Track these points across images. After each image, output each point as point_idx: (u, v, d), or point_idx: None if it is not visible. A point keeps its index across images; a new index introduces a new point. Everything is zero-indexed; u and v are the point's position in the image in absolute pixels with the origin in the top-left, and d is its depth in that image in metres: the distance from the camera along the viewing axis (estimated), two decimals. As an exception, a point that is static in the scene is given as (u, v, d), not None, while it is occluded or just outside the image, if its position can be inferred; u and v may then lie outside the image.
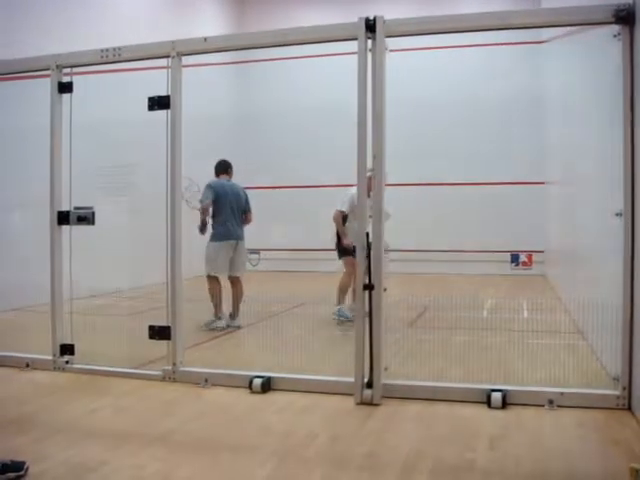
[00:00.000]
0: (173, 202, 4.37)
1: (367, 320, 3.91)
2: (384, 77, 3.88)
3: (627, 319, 3.60)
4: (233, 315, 6.38)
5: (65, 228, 4.67)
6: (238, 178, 6.84)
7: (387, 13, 3.90)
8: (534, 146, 11.43)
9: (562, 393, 3.74)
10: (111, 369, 4.51)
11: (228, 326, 6.29)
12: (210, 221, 6.39)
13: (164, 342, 4.41)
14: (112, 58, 4.50)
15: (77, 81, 4.67)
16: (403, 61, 4.47)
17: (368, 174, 3.92)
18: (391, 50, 3.93)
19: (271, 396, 4.03)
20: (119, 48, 4.46)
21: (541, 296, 8.76)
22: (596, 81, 4.92)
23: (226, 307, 6.36)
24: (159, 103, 4.34)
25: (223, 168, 6.61)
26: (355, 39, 3.89)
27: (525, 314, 6.69)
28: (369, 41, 3.89)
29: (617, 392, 3.67)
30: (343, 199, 6.50)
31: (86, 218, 4.57)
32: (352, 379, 3.92)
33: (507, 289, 9.79)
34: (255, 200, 6.88)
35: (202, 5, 12.89)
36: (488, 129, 12.23)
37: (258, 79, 12.96)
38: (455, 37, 4.33)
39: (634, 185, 3.58)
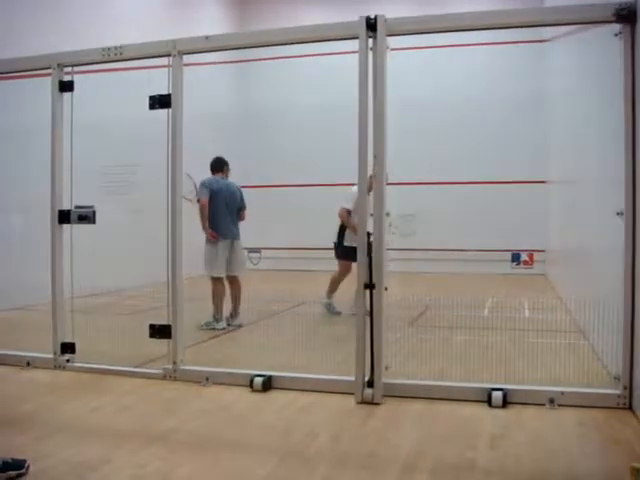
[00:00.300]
0: (174, 201, 4.37)
1: (368, 319, 3.91)
2: (385, 76, 3.87)
3: (628, 318, 3.60)
4: (233, 314, 6.38)
5: (66, 227, 4.68)
6: (239, 177, 6.84)
7: (388, 12, 3.90)
8: (535, 145, 11.43)
9: (563, 392, 3.74)
10: (112, 368, 4.52)
11: (229, 324, 6.29)
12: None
13: (165, 341, 4.41)
14: (113, 57, 4.49)
15: (78, 80, 4.68)
16: (403, 61, 4.46)
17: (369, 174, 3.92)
18: (392, 49, 3.92)
19: (272, 395, 4.03)
20: (120, 47, 4.46)
21: (542, 295, 8.76)
22: (597, 80, 4.92)
23: (226, 308, 6.35)
24: (160, 102, 4.33)
25: (219, 166, 6.55)
26: (356, 38, 3.89)
27: (526, 313, 6.69)
28: (370, 40, 3.89)
29: (618, 391, 3.67)
30: (347, 196, 6.51)
31: (87, 217, 4.57)
32: (353, 378, 3.92)
33: (508, 288, 9.79)
34: (255, 199, 6.89)
35: (203, 5, 12.89)
36: (489, 128, 12.23)
37: (259, 78, 12.96)
38: (456, 36, 4.33)
39: (635, 184, 3.57)
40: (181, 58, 4.34)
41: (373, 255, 3.90)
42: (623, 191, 3.60)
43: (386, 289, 3.93)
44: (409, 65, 8.30)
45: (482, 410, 3.68)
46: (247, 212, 6.63)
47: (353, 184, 4.30)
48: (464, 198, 12.20)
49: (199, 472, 2.86)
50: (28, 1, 8.05)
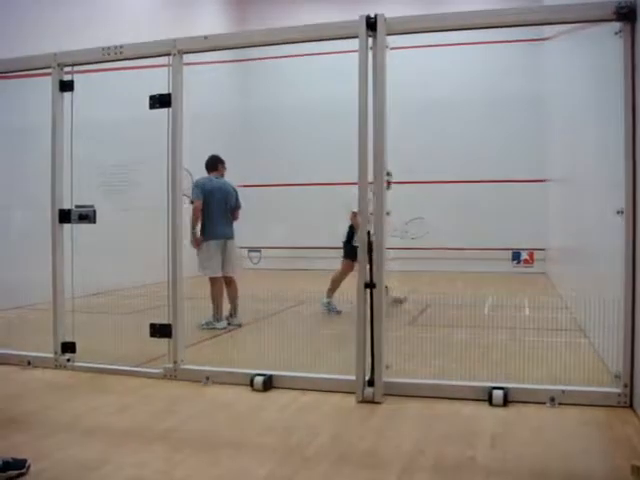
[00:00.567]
0: (174, 200, 4.37)
1: (368, 318, 3.91)
2: (385, 75, 3.87)
3: (628, 316, 3.60)
4: (232, 314, 6.37)
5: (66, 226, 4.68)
6: (238, 176, 6.82)
7: (388, 11, 3.90)
8: (536, 143, 11.43)
9: (563, 391, 3.73)
10: (112, 367, 4.52)
11: (229, 324, 6.29)
12: (199, 225, 6.24)
13: (165, 340, 4.41)
14: (113, 56, 4.49)
15: (78, 79, 4.67)
16: (403, 60, 4.46)
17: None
18: (392, 48, 3.92)
19: (272, 394, 4.03)
20: (120, 46, 4.45)
21: (542, 294, 8.76)
22: (598, 78, 4.92)
23: (225, 308, 6.35)
24: (160, 101, 4.33)
25: (213, 164, 6.44)
26: (356, 37, 3.89)
27: (527, 312, 6.70)
28: (370, 39, 3.89)
29: (619, 390, 3.67)
30: (353, 199, 6.49)
31: (87, 216, 4.57)
32: (353, 377, 3.92)
33: (508, 287, 9.78)
34: (255, 198, 6.88)
35: (203, 4, 12.88)
36: (489, 127, 12.24)
37: (258, 77, 12.97)
38: (456, 35, 4.33)
39: (635, 183, 3.57)
40: (181, 57, 4.34)
41: (373, 255, 3.90)
42: (623, 189, 3.60)
43: (387, 288, 3.92)
44: (409, 65, 8.30)
45: (483, 409, 3.68)
46: (247, 212, 6.60)
47: (355, 183, 4.29)
48: (464, 197, 12.20)
49: (199, 471, 2.86)
50: (28, 1, 8.04)
